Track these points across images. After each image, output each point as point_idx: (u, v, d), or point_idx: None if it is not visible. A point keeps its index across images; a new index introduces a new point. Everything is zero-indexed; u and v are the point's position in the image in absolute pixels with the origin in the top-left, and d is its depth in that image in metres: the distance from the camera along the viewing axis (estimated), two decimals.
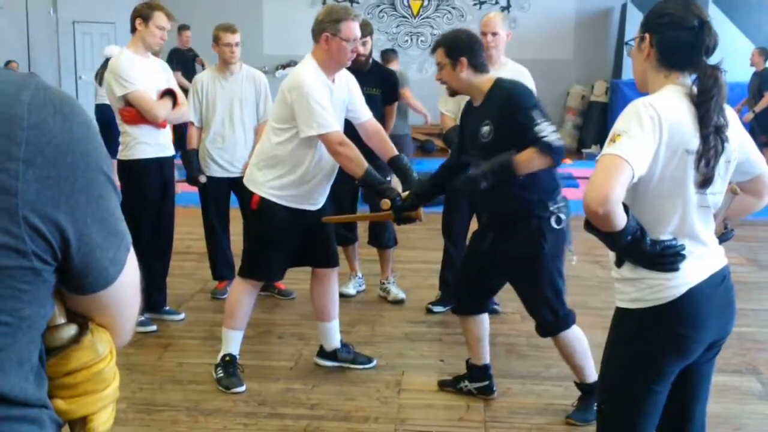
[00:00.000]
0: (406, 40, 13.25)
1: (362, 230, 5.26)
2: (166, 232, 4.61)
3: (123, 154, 4.40)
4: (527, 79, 4.71)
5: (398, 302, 5.03)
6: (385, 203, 3.49)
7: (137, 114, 4.30)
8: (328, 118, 3.44)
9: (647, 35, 2.07)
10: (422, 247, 6.32)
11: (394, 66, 8.05)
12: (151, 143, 4.38)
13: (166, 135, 4.52)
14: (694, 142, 1.96)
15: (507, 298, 4.99)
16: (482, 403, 3.57)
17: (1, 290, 0.88)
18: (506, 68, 4.72)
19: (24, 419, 0.93)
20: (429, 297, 4.97)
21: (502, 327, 4.63)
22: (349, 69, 4.89)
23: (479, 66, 3.28)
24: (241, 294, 3.74)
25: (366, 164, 3.51)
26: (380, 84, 4.96)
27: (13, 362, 0.92)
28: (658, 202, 2.01)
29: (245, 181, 3.70)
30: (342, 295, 5.06)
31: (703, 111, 1.95)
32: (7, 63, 10.20)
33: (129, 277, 1.02)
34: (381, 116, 5.00)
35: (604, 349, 2.20)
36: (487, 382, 3.60)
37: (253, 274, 3.77)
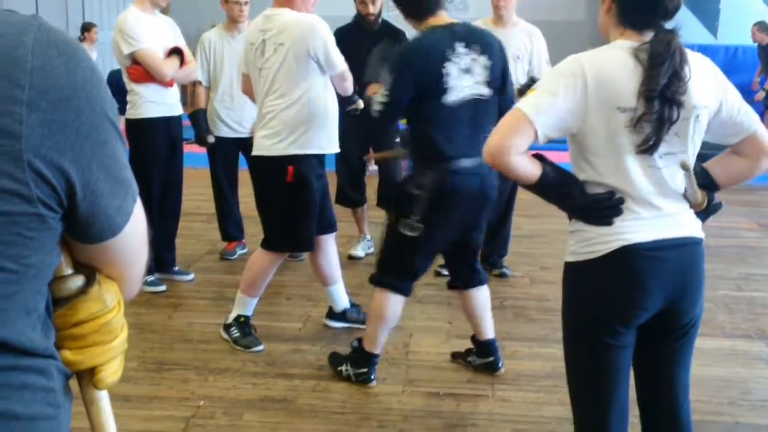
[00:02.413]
0: None
1: (371, 192, 5.24)
2: (175, 192, 4.60)
3: (130, 112, 4.37)
4: (539, 40, 4.67)
5: None
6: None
7: (144, 72, 4.26)
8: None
9: None
10: None
11: None
12: (158, 102, 4.35)
13: (174, 94, 4.48)
14: (630, 99, 1.87)
15: (517, 261, 5.00)
16: None
17: (6, 237, 0.87)
18: (518, 28, 4.67)
19: (32, 369, 0.93)
20: (438, 260, 4.95)
21: (511, 290, 4.64)
22: (359, 28, 4.86)
23: (410, 15, 3.19)
24: (267, 265, 3.72)
25: None
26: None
27: (20, 311, 0.91)
28: (594, 158, 1.95)
29: (267, 153, 3.56)
30: (351, 258, 5.09)
31: (650, 74, 1.86)
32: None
33: (136, 228, 1.01)
34: None
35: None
36: (492, 358, 3.51)
37: (290, 246, 3.84)
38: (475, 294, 3.46)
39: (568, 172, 2.01)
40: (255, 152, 3.65)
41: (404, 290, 3.32)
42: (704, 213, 2.08)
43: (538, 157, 1.96)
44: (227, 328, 3.79)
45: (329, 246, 3.85)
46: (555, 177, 1.96)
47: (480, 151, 3.14)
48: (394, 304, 3.31)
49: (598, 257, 1.97)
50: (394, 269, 3.29)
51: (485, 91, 3.10)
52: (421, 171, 3.12)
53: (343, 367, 3.41)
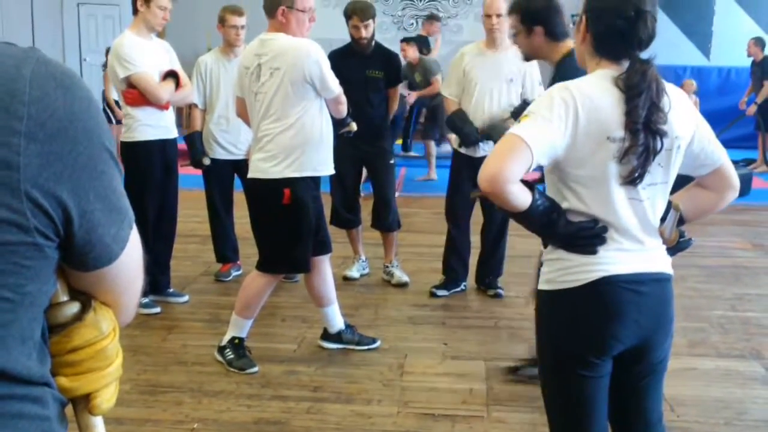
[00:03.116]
0: (412, 23, 13.18)
1: (366, 213, 5.26)
2: (170, 214, 4.61)
3: (126, 135, 4.40)
4: (531, 63, 4.69)
5: (402, 286, 5.04)
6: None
7: (140, 96, 4.29)
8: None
9: (584, 17, 1.99)
10: (426, 230, 6.32)
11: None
12: (153, 125, 4.38)
13: (170, 117, 4.51)
14: (619, 129, 1.87)
15: (512, 282, 5.00)
16: (485, 387, 3.58)
17: (3, 266, 0.88)
18: (511, 51, 4.69)
19: (27, 398, 0.93)
20: (432, 281, 4.97)
21: (505, 311, 4.64)
22: (352, 52, 4.90)
23: (556, 35, 3.12)
24: (262, 287, 3.73)
25: None
26: (383, 66, 4.94)
27: (16, 339, 0.91)
28: (579, 187, 1.94)
29: (264, 176, 3.58)
30: (346, 279, 5.10)
31: (630, 107, 1.86)
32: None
33: (132, 255, 1.01)
34: (384, 99, 5.00)
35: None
36: None
37: (285, 268, 3.84)
38: None
39: (554, 200, 1.98)
40: (251, 175, 3.67)
41: None
42: (673, 249, 2.08)
43: (527, 184, 1.92)
44: (221, 350, 3.78)
45: (324, 267, 3.85)
46: (543, 205, 1.93)
47: None
48: None
49: (576, 286, 1.95)
50: None
51: None
52: None
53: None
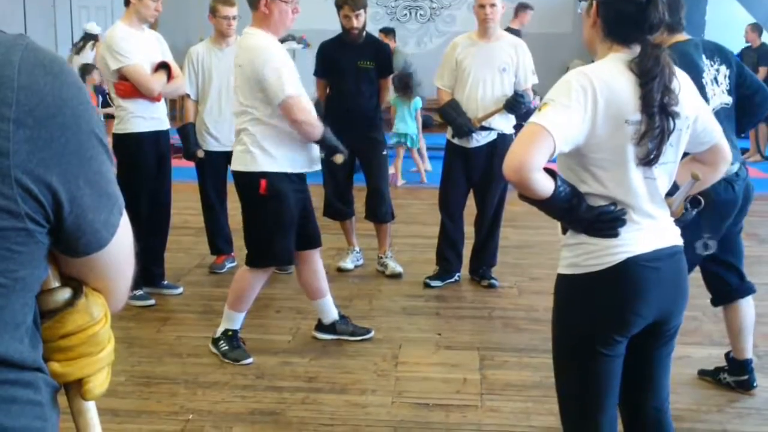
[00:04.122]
0: (405, 14, 13.14)
1: (359, 205, 5.26)
2: (164, 206, 4.61)
3: (118, 127, 4.39)
4: (524, 52, 4.70)
5: (396, 276, 5.04)
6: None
7: (132, 88, 4.28)
8: (292, 80, 3.47)
9: (594, 2, 2.02)
10: (420, 221, 6.33)
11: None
12: (146, 117, 4.37)
13: (162, 108, 4.50)
14: (636, 112, 1.91)
15: (505, 272, 5.02)
16: (479, 376, 3.59)
17: None
18: (504, 41, 4.71)
19: (19, 383, 0.94)
20: (426, 271, 4.98)
21: (500, 301, 4.65)
22: (343, 42, 4.89)
23: (671, 24, 2.93)
24: (253, 282, 3.73)
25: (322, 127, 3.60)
26: (374, 57, 4.93)
27: (8, 324, 0.92)
28: (599, 171, 1.97)
29: (242, 168, 3.58)
30: (340, 270, 5.10)
31: (645, 91, 1.91)
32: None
33: (122, 240, 1.02)
34: (376, 89, 4.99)
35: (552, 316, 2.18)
36: (746, 377, 3.44)
37: (269, 262, 3.80)
38: (743, 306, 3.42)
39: (574, 186, 2.00)
40: (232, 166, 3.70)
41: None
42: (680, 220, 2.15)
43: (549, 172, 1.94)
44: (215, 342, 3.78)
45: (314, 260, 3.85)
46: (565, 192, 1.96)
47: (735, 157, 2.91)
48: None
49: (602, 269, 1.99)
50: None
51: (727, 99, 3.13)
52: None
53: (721, 375, 3.49)
